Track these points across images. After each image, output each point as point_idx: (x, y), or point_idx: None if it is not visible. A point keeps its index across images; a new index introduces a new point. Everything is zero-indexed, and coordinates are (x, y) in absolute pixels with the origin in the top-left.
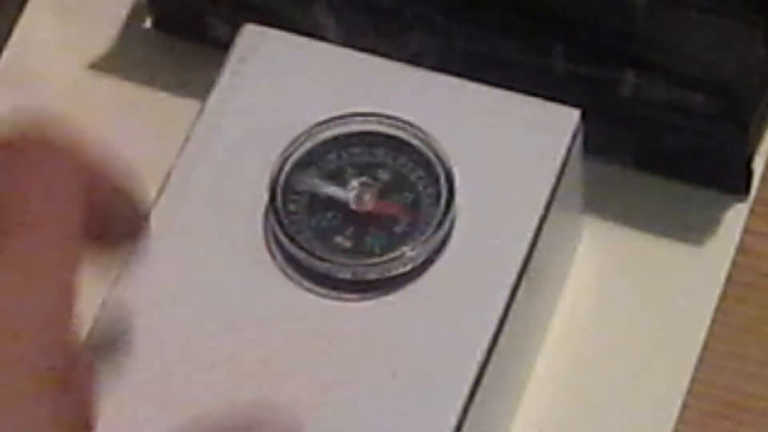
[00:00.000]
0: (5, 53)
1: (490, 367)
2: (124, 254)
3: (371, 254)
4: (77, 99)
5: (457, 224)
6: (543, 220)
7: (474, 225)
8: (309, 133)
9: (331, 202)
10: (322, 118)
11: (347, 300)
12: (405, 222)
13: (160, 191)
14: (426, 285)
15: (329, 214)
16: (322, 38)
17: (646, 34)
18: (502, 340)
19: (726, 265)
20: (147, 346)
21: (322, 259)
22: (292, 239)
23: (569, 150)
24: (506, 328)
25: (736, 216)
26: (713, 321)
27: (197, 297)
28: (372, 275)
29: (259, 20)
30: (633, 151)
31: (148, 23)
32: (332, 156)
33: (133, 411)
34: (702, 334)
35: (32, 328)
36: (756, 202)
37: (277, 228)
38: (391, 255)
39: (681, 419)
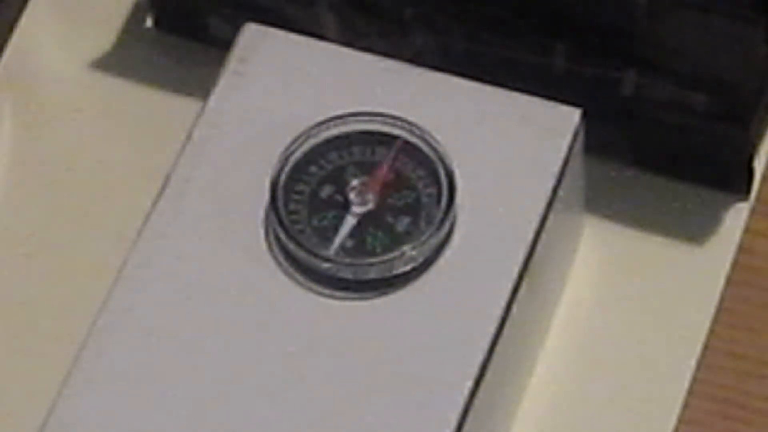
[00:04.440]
0: (5, 53)
1: (491, 367)
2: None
3: (372, 253)
4: (77, 99)
5: (458, 224)
6: (544, 219)
7: (475, 224)
8: (309, 132)
9: (332, 202)
10: (322, 117)
11: (347, 299)
12: (406, 221)
13: (160, 191)
14: (426, 284)
15: (330, 214)
16: (323, 38)
17: (647, 34)
18: (502, 339)
19: (726, 265)
20: (147, 345)
21: (322, 259)
22: (292, 239)
23: (570, 149)
24: (507, 327)
25: (736, 216)
26: (713, 321)
27: (197, 297)
28: (373, 274)
29: (260, 20)
30: (634, 150)
31: (148, 23)
32: (333, 156)
33: (132, 410)
34: (702, 334)
35: None
36: (757, 201)
37: (277, 227)
38: (392, 254)
39: (681, 419)
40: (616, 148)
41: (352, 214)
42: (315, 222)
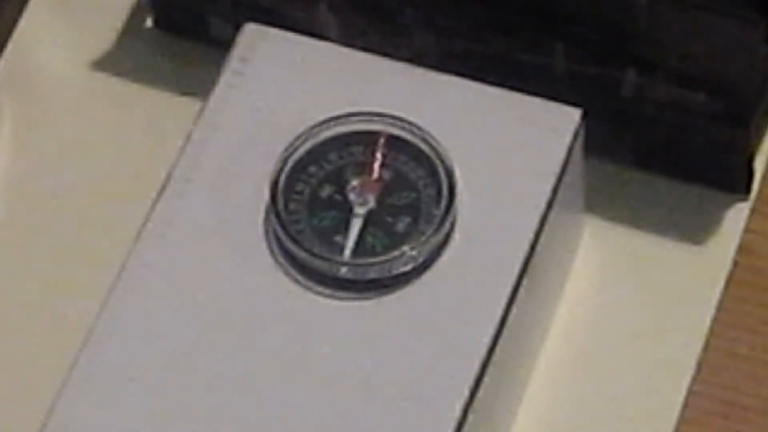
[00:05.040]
0: (5, 53)
1: (491, 367)
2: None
3: (372, 253)
4: (77, 99)
5: (458, 224)
6: (544, 219)
7: (475, 224)
8: (309, 132)
9: (332, 202)
10: (322, 117)
11: (347, 299)
12: (406, 221)
13: (160, 191)
14: (426, 284)
15: (330, 214)
16: (323, 38)
17: (647, 34)
18: (503, 339)
19: (726, 265)
20: (147, 345)
21: (322, 259)
22: (292, 239)
23: (570, 149)
24: (507, 327)
25: (736, 215)
26: (713, 321)
27: (197, 297)
28: (372, 274)
29: (260, 19)
30: (634, 150)
31: (148, 22)
32: (332, 155)
33: (132, 410)
34: (702, 334)
35: None
36: (757, 201)
37: (277, 227)
38: (392, 254)
39: (681, 418)
40: (616, 148)
41: (356, 215)
42: (315, 222)
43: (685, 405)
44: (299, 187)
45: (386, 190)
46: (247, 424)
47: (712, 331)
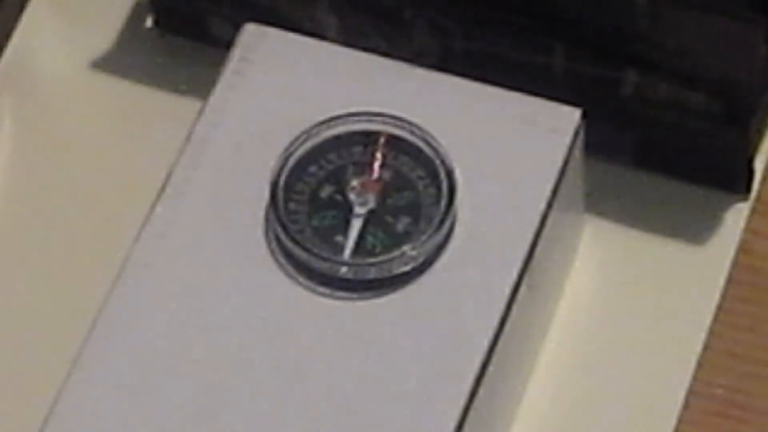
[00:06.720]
0: (5, 53)
1: (491, 367)
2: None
3: (372, 253)
4: (77, 99)
5: (458, 224)
6: (544, 219)
7: (475, 225)
8: (309, 132)
9: (332, 202)
10: (322, 117)
11: (347, 299)
12: (406, 221)
13: (160, 191)
14: (426, 284)
15: (330, 214)
16: (324, 38)
17: (647, 34)
18: (502, 339)
19: (726, 265)
20: (147, 345)
21: (322, 259)
22: (292, 239)
23: (570, 149)
24: (507, 327)
25: (736, 215)
26: (713, 321)
27: (197, 297)
28: (372, 275)
29: (260, 20)
30: (634, 150)
31: (148, 23)
32: (333, 155)
33: (132, 410)
34: (702, 334)
35: None
36: (757, 201)
37: (278, 227)
38: (392, 254)
39: (681, 419)
40: (616, 148)
41: (356, 216)
42: (315, 222)
43: (685, 405)
44: (299, 187)
45: (386, 190)
46: (247, 424)
47: (712, 331)
